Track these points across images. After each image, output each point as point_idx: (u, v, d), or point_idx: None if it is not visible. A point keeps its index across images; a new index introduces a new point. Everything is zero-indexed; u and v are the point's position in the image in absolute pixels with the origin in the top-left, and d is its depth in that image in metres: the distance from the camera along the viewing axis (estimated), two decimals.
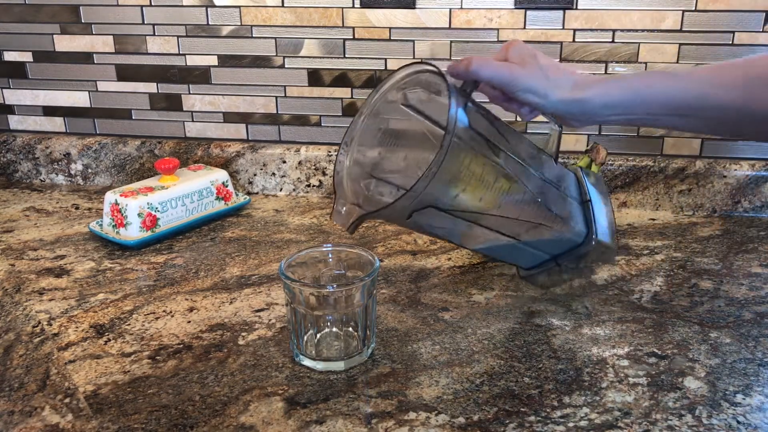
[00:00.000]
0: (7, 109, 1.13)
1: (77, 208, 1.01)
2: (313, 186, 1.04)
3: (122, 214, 0.86)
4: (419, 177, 0.55)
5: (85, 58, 1.08)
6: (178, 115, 1.09)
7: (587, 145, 1.00)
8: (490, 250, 0.69)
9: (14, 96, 1.12)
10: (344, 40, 1.00)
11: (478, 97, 0.63)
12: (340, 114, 1.04)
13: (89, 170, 1.10)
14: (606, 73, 0.95)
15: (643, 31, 0.93)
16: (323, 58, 1.01)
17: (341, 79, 1.02)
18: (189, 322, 0.69)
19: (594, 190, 0.71)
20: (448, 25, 0.96)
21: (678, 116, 0.61)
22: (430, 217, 0.60)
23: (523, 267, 0.73)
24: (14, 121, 1.14)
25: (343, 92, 1.02)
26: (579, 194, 0.70)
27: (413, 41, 0.98)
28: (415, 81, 0.62)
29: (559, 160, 0.69)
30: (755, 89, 0.58)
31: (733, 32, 0.92)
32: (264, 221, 0.95)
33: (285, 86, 1.04)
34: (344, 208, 0.63)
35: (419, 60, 0.61)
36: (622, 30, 0.93)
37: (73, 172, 1.11)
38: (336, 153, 0.68)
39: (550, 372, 0.60)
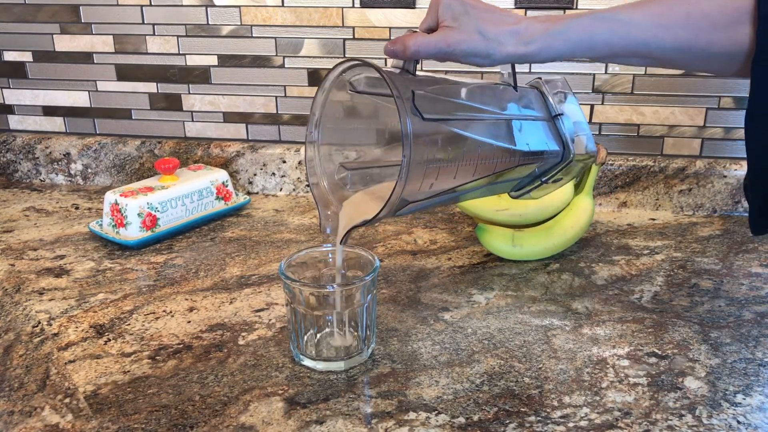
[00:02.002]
0: (7, 109, 1.13)
1: (77, 208, 1.01)
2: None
3: (122, 214, 0.86)
4: (385, 203, 0.55)
5: (85, 57, 1.08)
6: (178, 115, 1.09)
7: None
8: (474, 197, 0.69)
9: (14, 96, 1.12)
10: (344, 39, 1.00)
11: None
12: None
13: (89, 170, 1.10)
14: (606, 72, 0.96)
15: None
16: (323, 57, 1.01)
17: None
18: (189, 322, 0.69)
19: (561, 97, 0.70)
20: None
21: (624, 57, 0.60)
22: (413, 207, 0.60)
23: (511, 191, 0.73)
24: (14, 121, 1.14)
25: None
26: (547, 110, 0.69)
27: None
28: (356, 71, 0.62)
29: (519, 84, 0.68)
30: (699, 29, 0.57)
31: None
32: (264, 221, 0.95)
33: (285, 86, 1.04)
34: (330, 219, 0.63)
35: (348, 58, 0.60)
36: None
37: (73, 172, 1.11)
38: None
39: (550, 372, 0.60)
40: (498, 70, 0.70)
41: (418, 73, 0.60)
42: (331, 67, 0.61)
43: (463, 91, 0.63)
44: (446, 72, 0.72)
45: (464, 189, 0.63)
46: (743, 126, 0.58)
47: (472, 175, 0.62)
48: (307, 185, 1.05)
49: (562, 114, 0.69)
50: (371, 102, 0.65)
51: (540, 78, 0.71)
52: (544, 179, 0.70)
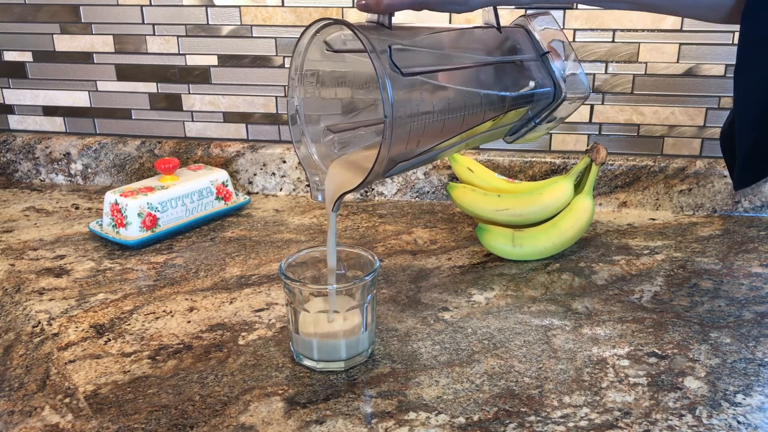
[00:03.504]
0: (7, 109, 1.13)
1: (77, 208, 1.01)
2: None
3: (122, 214, 0.86)
4: (371, 167, 0.53)
5: (85, 57, 1.08)
6: (178, 114, 1.09)
7: (587, 145, 1.00)
8: (467, 148, 0.66)
9: (14, 96, 1.12)
10: (344, 39, 0.99)
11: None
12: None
13: (89, 170, 1.10)
14: (606, 72, 0.96)
15: (643, 30, 0.93)
16: None
17: None
18: (189, 322, 0.69)
19: (548, 33, 0.67)
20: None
21: (608, 2, 0.60)
22: (403, 166, 0.58)
23: (505, 136, 0.71)
24: (14, 121, 1.14)
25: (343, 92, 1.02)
26: (534, 49, 0.66)
27: None
28: (331, 31, 0.59)
29: (504, 27, 0.65)
30: None
31: (733, 32, 0.92)
32: (264, 221, 0.95)
33: (285, 86, 1.04)
34: (320, 185, 0.61)
35: (320, 18, 0.57)
36: (622, 30, 0.93)
37: (73, 172, 1.11)
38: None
39: (550, 372, 0.60)
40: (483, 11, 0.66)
41: (394, 24, 0.57)
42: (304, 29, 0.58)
43: (445, 39, 0.60)
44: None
45: (455, 142, 0.61)
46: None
47: (461, 127, 0.59)
48: (308, 185, 1.05)
49: (550, 52, 0.66)
50: (352, 59, 0.62)
51: (525, 15, 0.68)
52: (537, 121, 0.68)
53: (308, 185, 1.04)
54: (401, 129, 0.53)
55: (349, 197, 1.03)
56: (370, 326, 0.62)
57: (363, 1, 0.56)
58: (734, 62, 0.57)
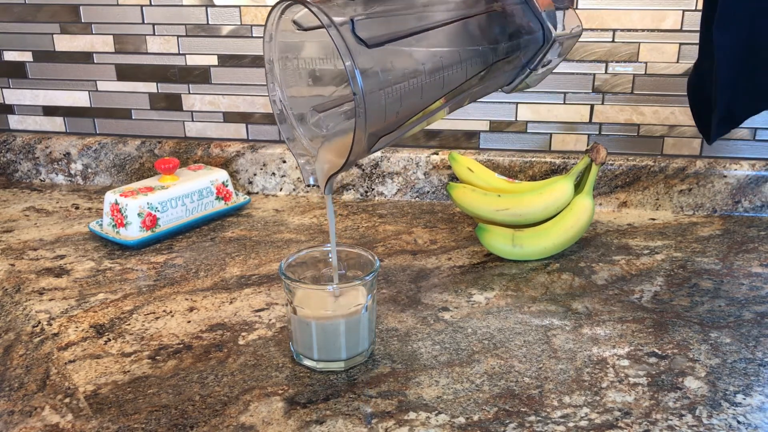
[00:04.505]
0: (7, 109, 1.13)
1: (77, 208, 1.01)
2: (313, 185, 1.04)
3: (122, 214, 0.86)
4: (350, 147, 0.51)
5: (85, 57, 1.08)
6: (178, 114, 1.09)
7: (587, 145, 1.00)
8: (458, 108, 0.63)
9: (14, 96, 1.12)
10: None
11: None
12: None
13: (89, 170, 1.10)
14: (606, 72, 0.96)
15: (643, 30, 0.93)
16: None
17: None
18: (189, 322, 0.69)
19: None
20: None
21: None
22: (388, 139, 0.55)
23: (503, 87, 0.68)
24: (14, 121, 1.14)
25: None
26: None
27: None
28: (294, 10, 0.55)
29: None
30: None
31: None
32: (264, 221, 0.95)
33: None
34: (309, 167, 0.59)
35: (280, 1, 0.53)
36: (622, 30, 0.93)
37: (73, 172, 1.11)
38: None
39: (550, 372, 0.60)
40: None
41: None
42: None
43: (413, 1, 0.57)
44: None
45: (441, 104, 0.58)
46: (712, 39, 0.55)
47: (443, 89, 0.56)
48: (308, 185, 1.04)
49: None
50: (324, 35, 0.57)
51: None
52: (531, 66, 0.65)
53: (308, 185, 1.04)
54: (375, 103, 0.50)
55: (349, 197, 1.03)
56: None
57: None
58: None
